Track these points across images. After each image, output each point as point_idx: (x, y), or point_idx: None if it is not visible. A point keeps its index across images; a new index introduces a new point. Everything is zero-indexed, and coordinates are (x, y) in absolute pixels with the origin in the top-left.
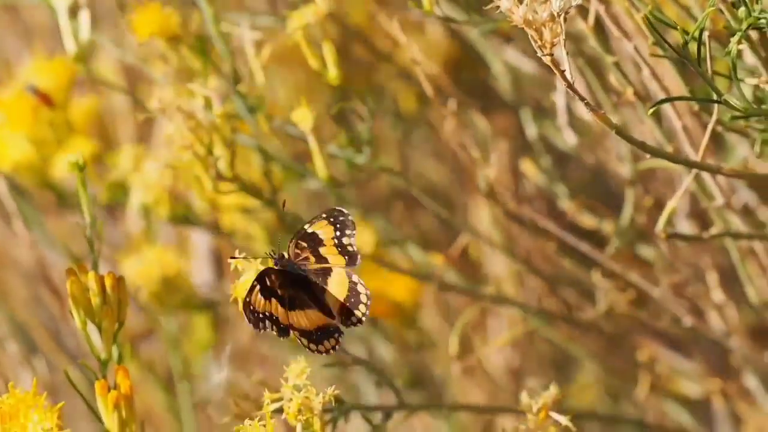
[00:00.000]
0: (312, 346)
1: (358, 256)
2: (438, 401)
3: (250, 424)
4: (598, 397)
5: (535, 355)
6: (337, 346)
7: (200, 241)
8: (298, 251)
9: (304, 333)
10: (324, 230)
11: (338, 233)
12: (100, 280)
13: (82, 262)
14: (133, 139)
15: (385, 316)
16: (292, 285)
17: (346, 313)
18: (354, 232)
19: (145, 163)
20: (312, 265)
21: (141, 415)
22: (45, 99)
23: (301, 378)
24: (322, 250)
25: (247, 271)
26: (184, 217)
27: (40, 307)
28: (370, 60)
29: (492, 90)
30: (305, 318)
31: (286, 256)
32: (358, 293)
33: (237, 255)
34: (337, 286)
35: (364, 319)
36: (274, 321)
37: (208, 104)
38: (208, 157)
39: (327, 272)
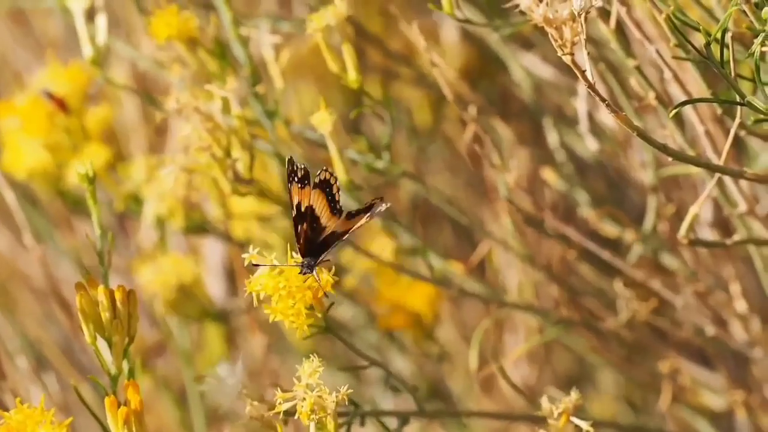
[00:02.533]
0: None
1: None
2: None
3: None
4: (619, 408)
5: (550, 368)
6: None
7: (212, 252)
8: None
9: None
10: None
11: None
12: (110, 294)
13: (92, 275)
14: (145, 150)
15: (403, 328)
16: None
17: None
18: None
19: (159, 170)
20: None
21: (154, 430)
22: (60, 104)
23: (313, 377)
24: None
25: (262, 266)
26: (198, 227)
27: (51, 322)
28: (386, 66)
29: (510, 97)
30: None
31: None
32: None
33: (251, 251)
34: None
35: None
36: None
37: (226, 106)
38: (226, 159)
39: None
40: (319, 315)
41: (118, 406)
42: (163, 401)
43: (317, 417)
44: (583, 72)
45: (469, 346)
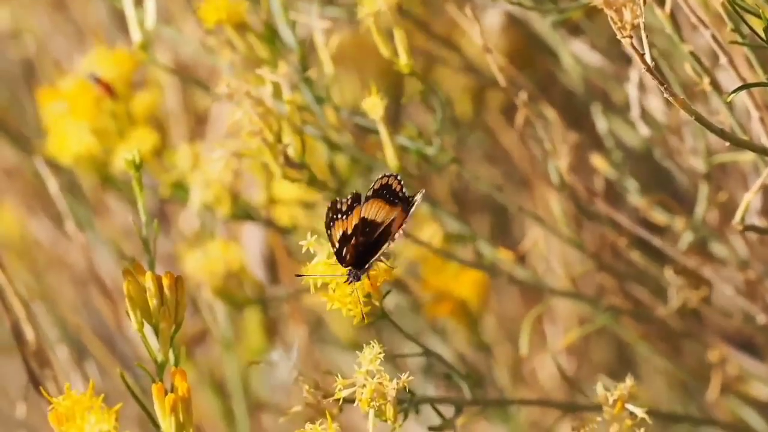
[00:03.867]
0: None
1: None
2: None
3: (310, 427)
4: (664, 398)
5: (590, 361)
6: None
7: (252, 240)
8: None
9: None
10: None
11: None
12: (158, 281)
13: (136, 261)
14: (186, 138)
15: (448, 316)
16: None
17: None
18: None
19: (207, 155)
20: None
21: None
22: (107, 88)
23: (374, 363)
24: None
25: (319, 253)
26: (244, 214)
27: (91, 312)
28: (429, 53)
29: (556, 84)
30: None
31: None
32: None
33: (309, 238)
34: None
35: None
36: None
37: (277, 91)
38: (277, 144)
39: None
40: (377, 303)
41: (165, 394)
42: (203, 391)
43: (377, 404)
44: (642, 55)
45: (508, 339)
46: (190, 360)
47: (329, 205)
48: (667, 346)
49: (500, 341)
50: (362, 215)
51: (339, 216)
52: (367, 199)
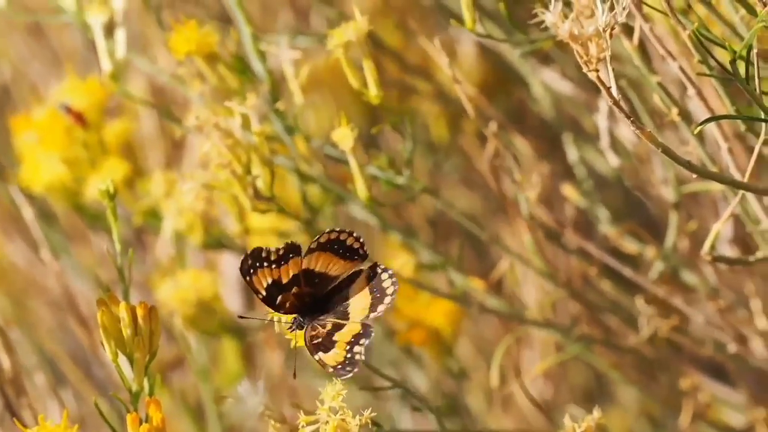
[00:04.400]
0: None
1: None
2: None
3: None
4: (638, 425)
5: (567, 385)
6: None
7: (230, 267)
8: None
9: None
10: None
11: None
12: (132, 311)
13: (111, 290)
14: (162, 165)
15: (422, 344)
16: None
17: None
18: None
19: (178, 186)
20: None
21: None
22: (78, 118)
23: (336, 400)
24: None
25: None
26: (217, 242)
27: (68, 337)
28: (403, 82)
29: (527, 112)
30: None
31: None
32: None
33: None
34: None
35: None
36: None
37: (246, 122)
38: (246, 175)
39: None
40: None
41: (140, 423)
42: (180, 417)
43: None
44: (608, 88)
45: (486, 363)
46: (166, 386)
47: (248, 253)
48: (640, 373)
49: (478, 366)
50: (306, 266)
51: (264, 264)
52: (312, 251)
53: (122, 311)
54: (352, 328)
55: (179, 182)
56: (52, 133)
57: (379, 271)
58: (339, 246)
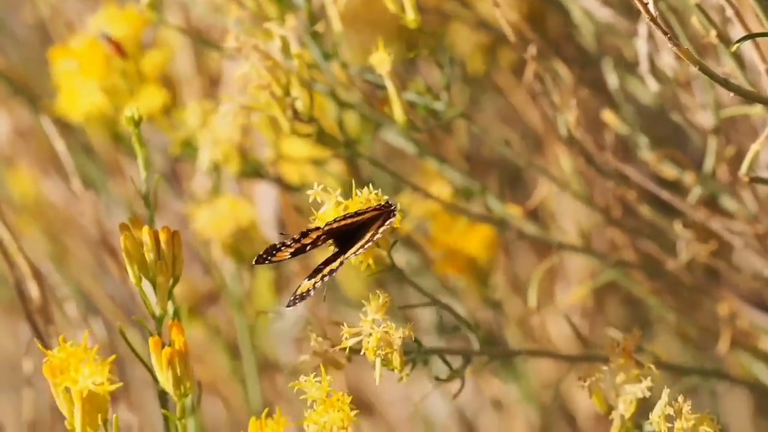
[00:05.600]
0: None
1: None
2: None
3: (305, 380)
4: (675, 352)
5: (602, 320)
6: None
7: (265, 197)
8: None
9: None
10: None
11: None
12: (155, 235)
13: (142, 219)
14: (198, 97)
15: (458, 272)
16: None
17: None
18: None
19: (218, 108)
20: None
21: (206, 380)
22: (117, 47)
23: (380, 312)
24: None
25: (327, 202)
26: (253, 172)
27: (103, 273)
28: (440, 9)
29: (567, 40)
30: None
31: None
32: None
33: (315, 188)
34: None
35: None
36: None
37: (285, 45)
38: (285, 97)
39: None
40: (384, 253)
41: (162, 347)
42: (214, 351)
43: (383, 353)
44: (645, 5)
45: (520, 296)
46: (201, 320)
47: (260, 254)
48: (678, 301)
49: (510, 298)
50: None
51: (282, 249)
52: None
53: (145, 235)
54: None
55: (217, 106)
56: (91, 62)
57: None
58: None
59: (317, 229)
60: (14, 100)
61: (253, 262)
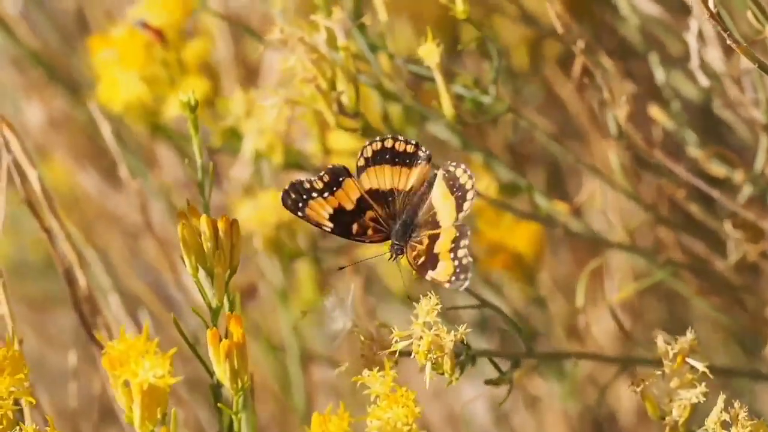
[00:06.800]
0: None
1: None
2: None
3: (368, 375)
4: (721, 355)
5: (642, 321)
6: None
7: None
8: None
9: None
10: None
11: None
12: (213, 224)
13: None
14: (238, 87)
15: (504, 268)
16: None
17: None
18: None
19: (262, 101)
20: None
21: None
22: (157, 34)
23: (431, 315)
24: None
25: None
26: (296, 163)
27: (142, 263)
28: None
29: (614, 34)
30: None
31: None
32: None
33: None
34: None
35: None
36: None
37: (331, 37)
38: (331, 91)
39: None
40: None
41: (220, 340)
42: (254, 345)
43: (434, 356)
44: (705, 1)
45: (563, 295)
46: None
47: (286, 189)
48: (723, 301)
49: (554, 297)
50: (366, 187)
51: (313, 195)
52: (363, 168)
53: (203, 224)
54: (447, 234)
55: (261, 99)
56: (132, 51)
57: (452, 169)
58: (390, 155)
59: (345, 169)
60: (49, 89)
61: (284, 206)
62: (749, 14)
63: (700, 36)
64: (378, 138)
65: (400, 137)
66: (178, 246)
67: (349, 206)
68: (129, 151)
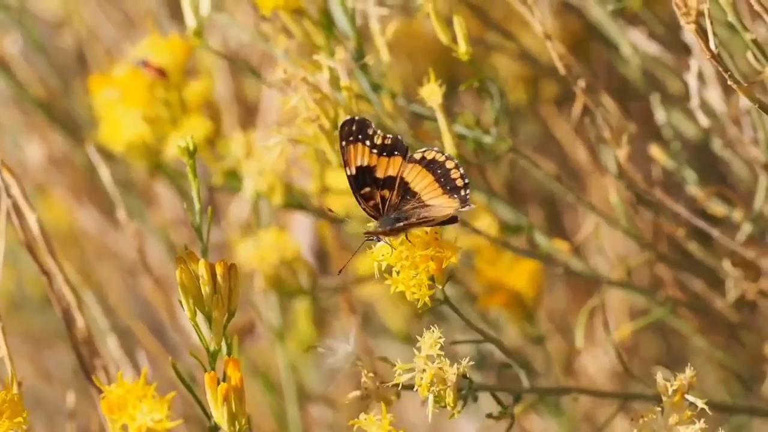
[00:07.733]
0: None
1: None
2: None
3: (365, 418)
4: (718, 392)
5: (639, 358)
6: None
7: (302, 230)
8: None
9: None
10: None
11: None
12: (211, 269)
13: (189, 250)
14: (237, 126)
15: (503, 307)
16: None
17: None
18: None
19: (261, 143)
20: None
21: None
22: (159, 73)
23: (434, 348)
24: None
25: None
26: (296, 203)
27: (139, 303)
28: (483, 40)
29: (612, 73)
30: None
31: None
32: None
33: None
34: None
35: None
36: None
37: (333, 77)
38: (334, 130)
39: None
40: (440, 287)
41: (218, 383)
42: (252, 383)
43: (436, 390)
44: (706, 41)
45: (559, 331)
46: (239, 351)
47: (355, 117)
48: (721, 338)
49: (550, 334)
50: (404, 174)
51: (366, 142)
52: (413, 160)
53: (201, 269)
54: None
55: (261, 139)
56: (134, 91)
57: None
58: (441, 171)
59: (405, 149)
60: (49, 128)
61: (339, 130)
62: (749, 54)
63: (700, 76)
64: (445, 153)
65: (461, 169)
66: (176, 285)
67: (380, 175)
68: (127, 192)
